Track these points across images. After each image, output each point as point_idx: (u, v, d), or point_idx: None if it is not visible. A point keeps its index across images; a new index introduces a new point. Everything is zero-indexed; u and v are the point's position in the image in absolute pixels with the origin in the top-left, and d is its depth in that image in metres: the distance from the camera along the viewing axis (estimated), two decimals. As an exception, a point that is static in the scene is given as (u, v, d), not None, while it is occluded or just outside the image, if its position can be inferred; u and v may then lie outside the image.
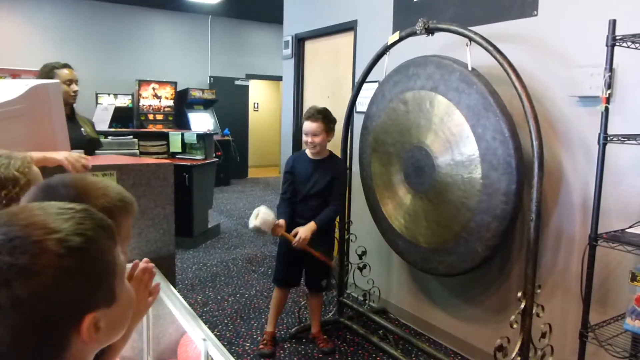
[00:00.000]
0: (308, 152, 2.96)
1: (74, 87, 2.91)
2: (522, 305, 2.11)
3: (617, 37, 1.87)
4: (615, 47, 1.89)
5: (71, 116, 2.91)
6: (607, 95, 1.89)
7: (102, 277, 0.70)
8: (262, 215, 2.68)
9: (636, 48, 1.92)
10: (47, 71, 2.87)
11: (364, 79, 3.09)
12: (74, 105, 2.99)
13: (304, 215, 2.91)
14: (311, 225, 2.80)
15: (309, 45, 4.64)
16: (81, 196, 1.01)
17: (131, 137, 5.40)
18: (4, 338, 0.62)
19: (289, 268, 3.05)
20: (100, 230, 0.70)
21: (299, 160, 3.00)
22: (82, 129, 2.99)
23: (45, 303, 0.63)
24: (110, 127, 5.42)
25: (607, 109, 1.90)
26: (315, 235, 2.82)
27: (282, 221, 2.79)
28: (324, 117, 2.84)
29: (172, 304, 1.64)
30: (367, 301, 3.54)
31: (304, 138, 2.88)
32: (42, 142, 1.91)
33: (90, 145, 2.93)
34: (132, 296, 0.79)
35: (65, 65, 2.96)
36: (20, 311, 0.62)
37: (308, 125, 2.84)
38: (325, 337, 3.13)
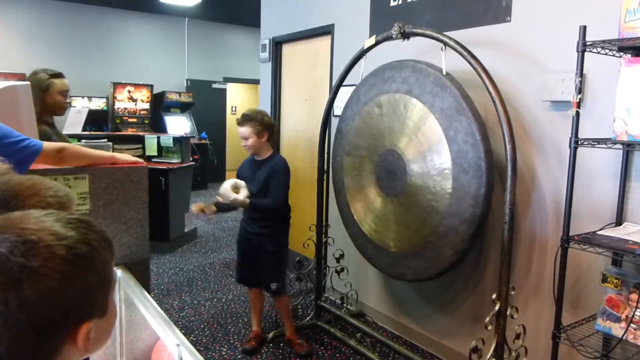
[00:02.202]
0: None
1: (63, 97, 2.81)
2: (497, 307, 2.13)
3: (588, 43, 1.91)
4: (586, 53, 1.92)
5: (51, 125, 2.85)
6: (578, 100, 1.93)
7: (101, 288, 0.73)
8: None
9: (606, 54, 1.96)
10: (43, 79, 2.77)
11: (340, 83, 3.09)
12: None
13: (250, 215, 3.00)
14: (244, 202, 2.82)
15: (287, 49, 4.64)
16: (8, 200, 0.99)
17: (105, 140, 5.31)
18: (4, 338, 0.64)
19: (242, 266, 3.13)
20: (102, 242, 0.74)
21: (246, 163, 3.07)
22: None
23: (49, 306, 0.66)
24: (83, 130, 5.33)
25: (578, 113, 1.94)
26: (264, 237, 2.93)
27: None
28: (251, 119, 2.87)
29: (146, 309, 1.61)
30: (344, 304, 3.54)
31: (241, 142, 2.94)
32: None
33: None
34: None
35: (60, 75, 2.85)
36: (25, 312, 0.64)
37: (239, 130, 2.91)
38: (300, 340, 3.13)
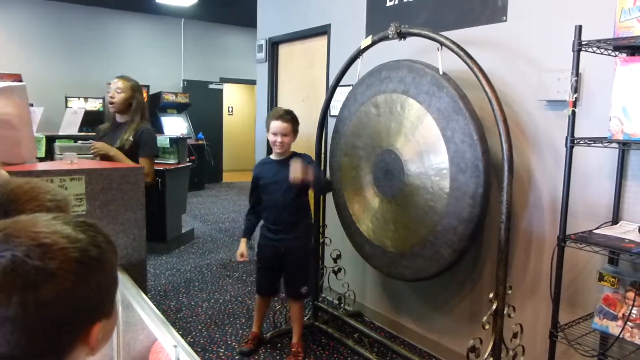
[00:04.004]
0: (273, 154, 2.96)
1: (111, 94, 3.12)
2: (494, 306, 2.13)
3: (583, 42, 1.91)
4: (582, 52, 1.93)
5: (113, 124, 3.24)
6: (574, 99, 1.93)
7: (109, 289, 0.76)
8: None
9: (601, 53, 1.97)
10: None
11: (337, 83, 3.09)
12: (125, 113, 3.19)
13: (280, 219, 2.91)
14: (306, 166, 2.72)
15: (283, 49, 4.64)
16: (8, 204, 0.99)
17: (102, 141, 5.29)
18: (21, 341, 0.65)
19: (266, 277, 3.06)
20: (109, 245, 0.77)
21: (264, 165, 3.00)
22: (118, 139, 3.11)
23: (65, 307, 0.68)
24: (80, 131, 5.31)
25: (574, 112, 1.95)
26: (295, 242, 2.88)
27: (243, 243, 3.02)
28: (292, 118, 2.87)
29: (143, 310, 1.60)
30: (342, 305, 3.53)
31: (272, 138, 2.85)
32: (6, 142, 1.88)
33: (124, 151, 3.06)
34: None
35: (119, 77, 3.20)
36: (43, 313, 0.66)
37: (278, 125, 2.82)
38: (298, 351, 3.00)
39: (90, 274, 0.71)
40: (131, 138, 3.10)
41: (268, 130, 2.88)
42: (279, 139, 2.83)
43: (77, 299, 0.69)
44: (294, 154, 2.94)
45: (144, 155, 3.13)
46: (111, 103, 3.15)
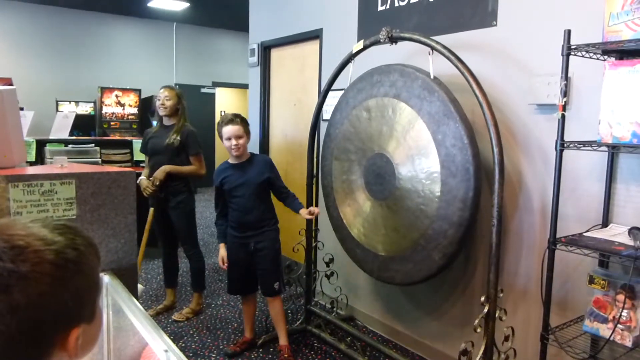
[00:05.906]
0: (231, 159, 2.99)
1: (161, 101, 3.52)
2: (486, 310, 2.14)
3: (572, 47, 1.93)
4: (571, 56, 1.95)
5: (161, 126, 3.63)
6: (564, 103, 1.95)
7: (89, 292, 0.74)
8: None
9: (590, 57, 1.99)
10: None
11: (329, 87, 3.10)
12: (172, 116, 3.58)
13: (247, 220, 2.95)
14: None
15: (275, 53, 4.64)
16: None
17: (92, 145, 5.28)
18: None
19: (239, 275, 3.07)
20: (89, 247, 0.75)
21: (225, 172, 3.01)
22: (167, 138, 3.49)
23: (39, 311, 0.66)
24: (70, 135, 5.28)
25: (563, 116, 1.96)
26: (263, 238, 2.97)
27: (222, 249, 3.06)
28: (242, 120, 2.94)
29: (133, 314, 1.59)
30: (334, 309, 3.53)
31: (227, 143, 2.90)
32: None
33: (167, 150, 3.49)
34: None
35: (166, 87, 3.61)
36: (16, 317, 0.64)
37: (230, 129, 2.88)
38: (288, 355, 3.00)
39: (68, 276, 0.69)
40: (178, 137, 3.50)
41: (221, 138, 2.93)
42: (234, 142, 2.88)
43: (54, 302, 0.67)
44: (253, 154, 3.03)
45: (193, 154, 3.57)
46: (163, 108, 3.53)
